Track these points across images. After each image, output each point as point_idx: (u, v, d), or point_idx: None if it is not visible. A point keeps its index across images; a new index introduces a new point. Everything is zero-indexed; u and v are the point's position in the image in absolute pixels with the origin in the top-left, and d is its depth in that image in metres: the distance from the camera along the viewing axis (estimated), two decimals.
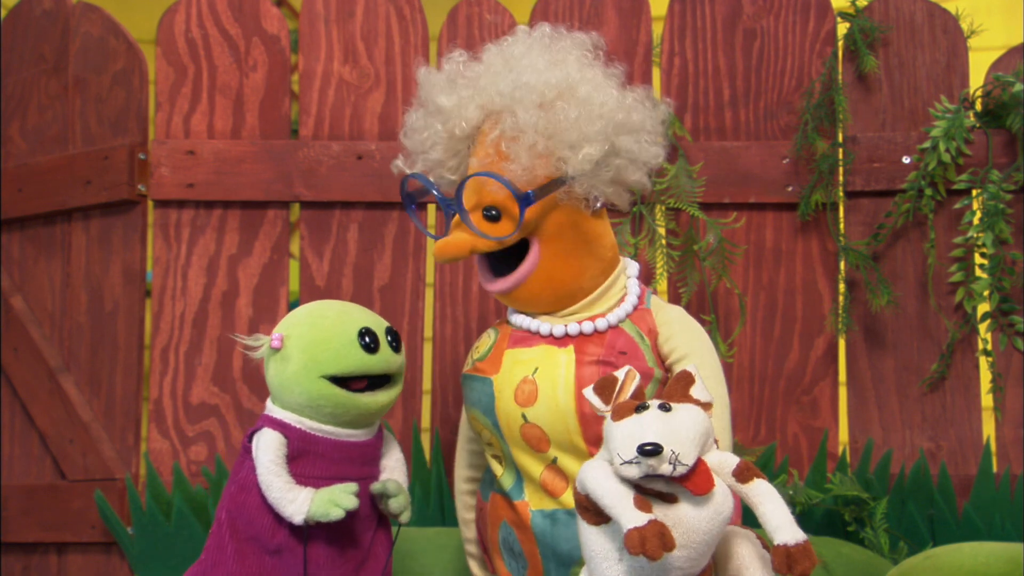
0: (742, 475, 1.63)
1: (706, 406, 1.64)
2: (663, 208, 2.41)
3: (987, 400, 2.36)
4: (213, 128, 2.49)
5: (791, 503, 2.29)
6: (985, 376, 2.37)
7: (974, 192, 2.38)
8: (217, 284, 2.47)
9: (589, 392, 1.66)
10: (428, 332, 2.47)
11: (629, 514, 1.54)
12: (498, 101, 1.86)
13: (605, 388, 1.65)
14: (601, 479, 1.58)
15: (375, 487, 1.85)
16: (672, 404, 1.62)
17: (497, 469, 1.93)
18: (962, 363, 2.39)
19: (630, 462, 1.56)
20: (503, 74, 1.87)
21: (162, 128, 2.50)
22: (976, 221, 2.36)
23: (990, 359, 2.36)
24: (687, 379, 1.65)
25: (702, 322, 2.38)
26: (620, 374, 1.66)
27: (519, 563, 1.91)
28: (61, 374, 2.51)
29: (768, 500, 1.60)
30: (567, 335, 1.89)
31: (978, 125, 2.39)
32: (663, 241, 2.38)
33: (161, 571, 2.35)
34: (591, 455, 1.81)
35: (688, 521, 1.59)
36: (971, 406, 2.38)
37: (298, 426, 1.82)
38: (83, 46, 2.56)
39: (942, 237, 2.40)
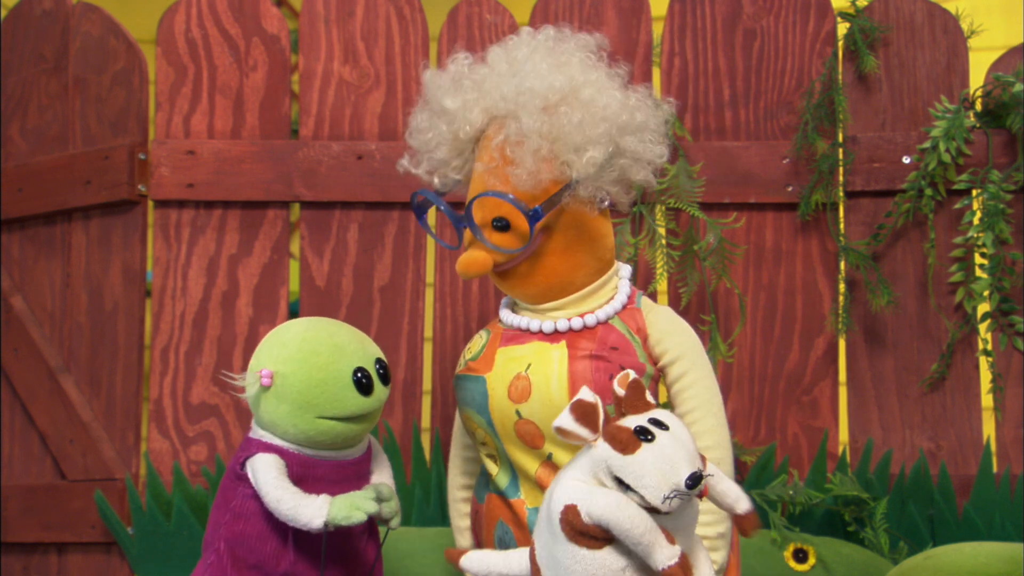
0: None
1: (656, 406, 1.66)
2: (663, 208, 2.41)
3: (987, 400, 2.36)
4: (213, 128, 2.49)
5: (792, 503, 2.30)
6: (985, 376, 2.37)
7: (974, 192, 2.38)
8: (217, 284, 2.47)
9: (571, 423, 1.60)
10: (428, 332, 2.47)
11: (665, 549, 1.56)
12: (502, 105, 1.86)
13: (587, 415, 1.60)
14: (631, 513, 1.56)
15: (367, 491, 1.83)
16: (659, 418, 1.61)
17: (492, 468, 1.94)
18: (962, 363, 2.39)
19: (673, 497, 1.55)
20: (507, 78, 1.88)
21: (162, 128, 2.50)
22: (976, 221, 2.36)
23: (990, 359, 2.36)
24: (639, 386, 1.64)
25: (702, 322, 2.38)
26: (589, 396, 1.62)
27: None
28: (61, 374, 2.51)
29: (721, 479, 1.66)
30: (557, 331, 1.89)
31: (978, 125, 2.39)
32: (663, 241, 2.38)
33: (161, 571, 2.35)
34: None
35: (687, 533, 1.63)
36: (971, 406, 2.38)
37: (296, 452, 1.79)
38: (83, 46, 2.56)
39: (942, 237, 2.40)
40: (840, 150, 2.41)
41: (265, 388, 1.77)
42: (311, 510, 1.72)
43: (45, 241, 2.57)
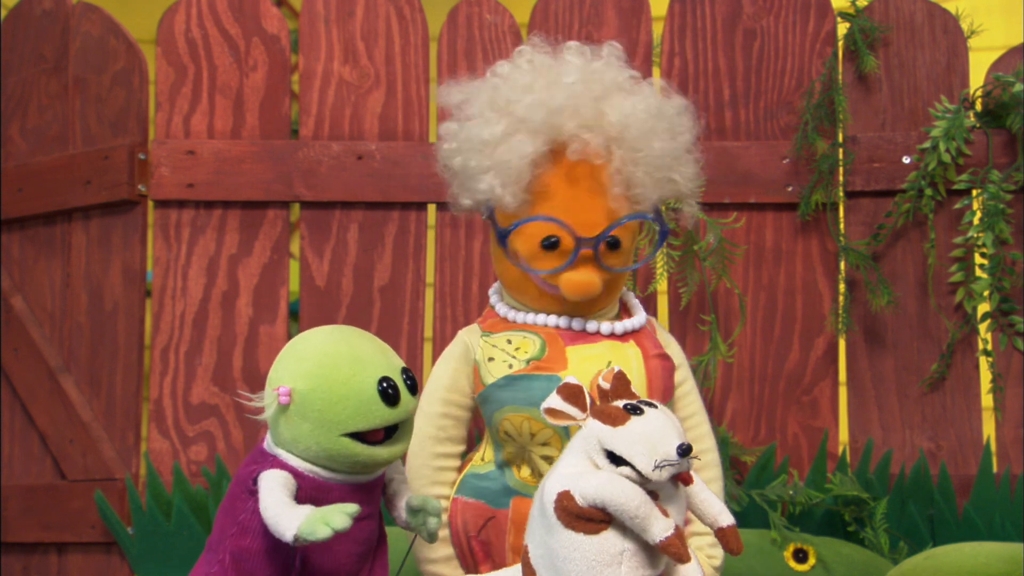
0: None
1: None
2: (663, 208, 2.40)
3: (987, 400, 2.36)
4: (213, 128, 2.49)
5: (792, 503, 2.30)
6: (985, 376, 2.37)
7: (974, 192, 2.38)
8: (217, 284, 2.47)
9: (560, 403, 1.63)
10: (428, 332, 2.47)
11: (661, 522, 1.57)
12: (612, 131, 1.84)
13: (575, 396, 1.63)
14: (625, 488, 1.57)
15: (414, 500, 1.78)
16: (647, 401, 1.64)
17: (546, 470, 1.89)
18: (962, 363, 2.39)
19: (664, 466, 1.57)
20: (610, 98, 1.86)
21: (162, 128, 2.50)
22: (976, 221, 2.36)
23: (990, 359, 2.36)
24: (623, 378, 1.67)
25: (702, 322, 2.39)
26: (573, 380, 1.65)
27: None
28: (61, 374, 2.51)
29: (703, 490, 1.66)
30: (626, 331, 1.92)
31: (978, 125, 2.39)
32: None
33: (161, 571, 2.35)
34: None
35: (676, 509, 1.64)
36: (971, 406, 2.38)
37: (311, 475, 1.70)
38: (83, 46, 2.56)
39: (942, 237, 2.40)
40: (840, 150, 2.41)
41: (284, 407, 1.68)
42: (287, 519, 1.61)
43: (45, 241, 2.57)
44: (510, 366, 1.90)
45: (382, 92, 2.49)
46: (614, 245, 1.88)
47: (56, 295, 2.55)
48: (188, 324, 2.46)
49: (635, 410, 1.61)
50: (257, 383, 2.44)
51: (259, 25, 2.51)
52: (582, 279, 1.87)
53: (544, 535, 1.62)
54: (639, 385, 1.87)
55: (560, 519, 1.60)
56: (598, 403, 1.65)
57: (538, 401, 1.85)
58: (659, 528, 1.56)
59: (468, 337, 1.97)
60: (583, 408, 1.63)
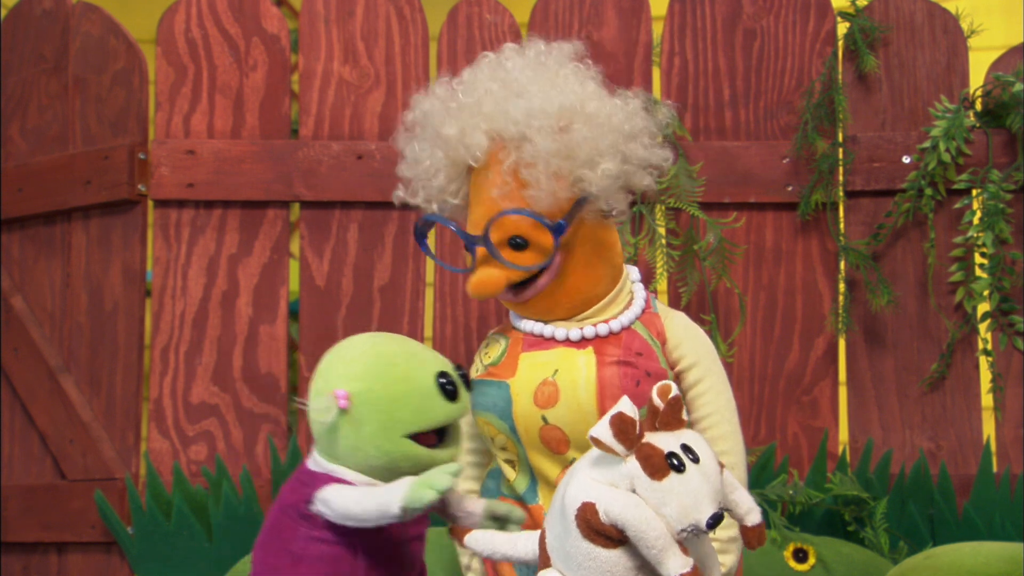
0: None
1: (687, 423, 1.66)
2: (663, 208, 2.41)
3: (987, 400, 2.36)
4: (213, 128, 2.49)
5: (792, 503, 2.30)
6: (985, 376, 2.37)
7: (974, 192, 2.38)
8: (217, 284, 2.47)
9: (608, 437, 1.58)
10: (428, 332, 2.47)
11: (678, 560, 1.55)
12: (512, 129, 1.85)
13: (625, 432, 1.58)
14: (649, 519, 1.56)
15: (499, 508, 1.72)
16: (690, 444, 1.60)
17: (510, 473, 1.93)
18: (962, 363, 2.39)
19: (690, 531, 1.56)
20: (511, 99, 1.86)
21: (162, 128, 2.50)
22: (976, 221, 2.37)
23: (990, 359, 2.36)
24: (677, 404, 1.63)
25: (702, 322, 2.38)
26: (629, 410, 1.59)
27: (531, 568, 1.91)
28: (61, 374, 2.51)
29: (736, 488, 1.65)
30: (584, 338, 1.89)
31: (978, 125, 2.39)
32: (663, 241, 2.38)
33: (161, 571, 2.35)
34: None
35: (701, 551, 1.64)
36: (971, 406, 2.38)
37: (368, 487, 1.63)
38: (83, 46, 2.56)
39: (942, 237, 2.40)
40: (840, 150, 2.41)
41: (343, 411, 1.59)
42: (384, 498, 1.55)
43: (45, 241, 2.57)
44: (477, 370, 1.93)
45: (382, 92, 2.49)
46: (518, 245, 1.86)
47: (56, 295, 2.55)
48: (188, 324, 2.46)
49: (677, 466, 1.57)
50: (257, 383, 2.44)
51: (259, 25, 2.51)
52: (477, 278, 1.87)
53: (562, 533, 1.62)
54: (586, 394, 1.84)
55: (580, 528, 1.59)
56: (644, 435, 1.61)
57: (488, 406, 1.89)
58: (675, 564, 1.55)
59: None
60: (630, 446, 1.58)
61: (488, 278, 1.86)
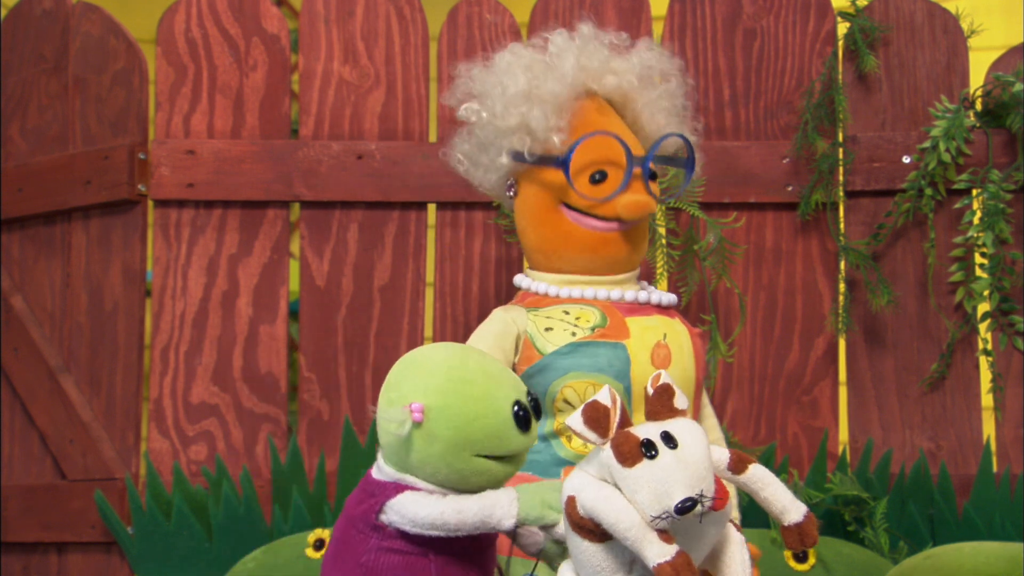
0: (737, 467, 1.61)
1: (684, 412, 1.60)
2: (663, 208, 2.41)
3: (987, 400, 2.36)
4: (213, 128, 2.49)
5: None
6: (985, 376, 2.37)
7: (974, 192, 2.38)
8: (217, 284, 2.47)
9: (579, 426, 1.55)
10: (428, 332, 2.47)
11: (656, 548, 1.51)
12: (646, 76, 1.99)
13: (598, 420, 1.55)
14: (619, 509, 1.52)
15: (551, 550, 1.66)
16: (672, 432, 1.56)
17: None
18: (962, 363, 2.39)
19: (662, 518, 1.51)
20: (626, 54, 2.00)
21: (162, 128, 2.50)
22: (976, 221, 2.36)
23: (990, 359, 2.36)
24: (668, 391, 1.60)
25: (702, 322, 2.39)
26: (604, 398, 1.56)
27: None
28: (61, 374, 2.51)
29: (768, 485, 1.60)
30: (669, 305, 1.99)
31: (978, 125, 2.39)
32: (663, 241, 2.38)
33: (161, 571, 2.35)
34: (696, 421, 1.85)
35: (703, 536, 1.59)
36: (971, 406, 2.38)
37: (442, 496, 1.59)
38: (83, 46, 2.56)
39: (942, 237, 2.40)
40: (840, 150, 2.41)
41: (417, 424, 1.55)
42: (501, 508, 1.53)
43: (45, 241, 2.57)
44: (573, 334, 1.92)
45: (382, 92, 2.49)
46: (653, 176, 1.97)
47: (56, 295, 2.55)
48: (188, 324, 2.46)
49: (650, 451, 1.53)
50: (257, 383, 2.44)
51: (259, 25, 2.51)
52: (639, 198, 1.94)
53: (566, 528, 1.61)
54: (689, 359, 1.93)
55: (567, 522, 1.58)
56: (626, 423, 1.58)
57: (603, 367, 1.91)
58: (652, 553, 1.50)
59: (509, 314, 1.98)
60: (604, 434, 1.55)
61: (646, 199, 1.95)
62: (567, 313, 1.94)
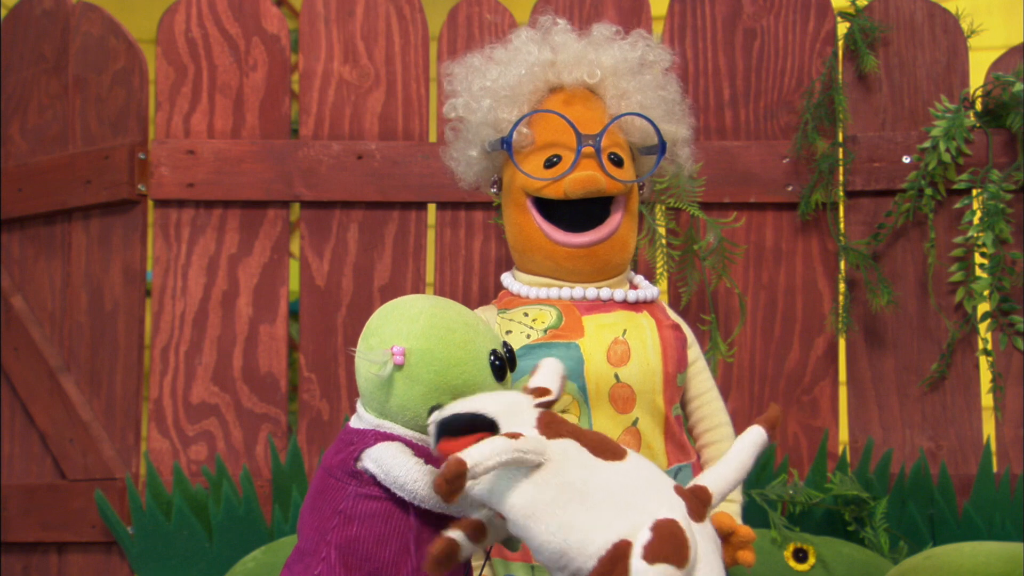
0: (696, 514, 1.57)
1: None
2: (663, 208, 2.41)
3: (987, 400, 2.36)
4: (213, 128, 2.49)
5: (792, 503, 2.30)
6: (985, 376, 2.37)
7: (974, 192, 2.39)
8: (217, 284, 2.47)
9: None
10: None
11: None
12: (622, 66, 1.96)
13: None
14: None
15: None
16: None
17: None
18: (962, 363, 2.39)
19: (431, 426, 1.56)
20: (603, 46, 1.99)
21: (162, 128, 2.50)
22: (976, 221, 2.37)
23: (990, 359, 2.36)
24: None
25: (702, 322, 2.39)
26: (550, 370, 1.64)
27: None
28: (61, 374, 2.51)
29: (722, 464, 1.62)
30: (639, 301, 1.96)
31: (978, 125, 2.39)
32: (663, 241, 2.38)
33: (161, 571, 2.35)
34: (666, 415, 1.90)
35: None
36: (971, 406, 2.38)
37: (422, 445, 1.61)
38: (83, 46, 2.56)
39: (942, 237, 2.40)
40: (840, 150, 2.41)
41: (398, 367, 1.58)
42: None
43: (45, 241, 2.57)
44: (528, 336, 1.93)
45: (382, 92, 2.49)
46: (616, 161, 1.94)
47: (56, 295, 2.55)
48: (188, 324, 2.46)
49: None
50: (257, 383, 2.44)
51: (259, 25, 2.51)
52: (583, 174, 1.91)
53: None
54: (654, 353, 1.90)
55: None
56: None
57: None
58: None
59: (484, 314, 1.99)
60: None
61: (593, 175, 1.91)
62: (526, 315, 1.95)
